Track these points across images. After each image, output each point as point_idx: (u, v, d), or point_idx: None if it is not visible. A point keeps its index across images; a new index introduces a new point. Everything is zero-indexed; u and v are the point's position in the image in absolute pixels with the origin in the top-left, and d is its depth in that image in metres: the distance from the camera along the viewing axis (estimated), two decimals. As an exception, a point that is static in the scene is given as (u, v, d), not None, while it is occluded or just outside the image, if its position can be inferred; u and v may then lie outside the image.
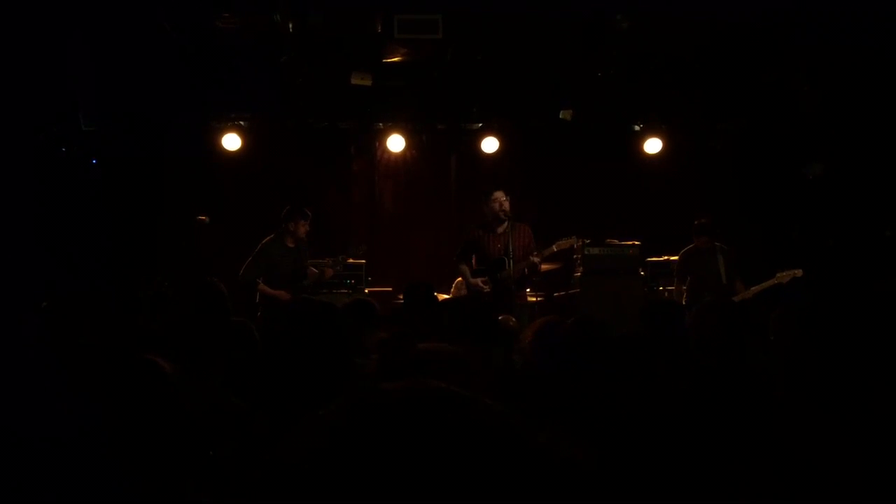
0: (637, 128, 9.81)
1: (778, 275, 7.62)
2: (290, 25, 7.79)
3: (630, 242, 8.50)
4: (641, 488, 2.12)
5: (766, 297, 7.53)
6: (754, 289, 7.64)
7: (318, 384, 2.28)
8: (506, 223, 7.62)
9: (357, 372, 1.94)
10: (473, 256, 7.81)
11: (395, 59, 8.57)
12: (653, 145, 9.69)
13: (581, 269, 8.44)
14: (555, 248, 7.71)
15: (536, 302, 8.34)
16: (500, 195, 7.65)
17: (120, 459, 1.56)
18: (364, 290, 8.47)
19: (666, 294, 8.41)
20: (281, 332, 2.44)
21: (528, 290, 7.94)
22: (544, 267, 8.04)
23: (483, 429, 0.66)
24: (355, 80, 8.70)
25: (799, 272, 7.58)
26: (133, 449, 1.58)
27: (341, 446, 0.65)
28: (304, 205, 7.89)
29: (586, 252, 8.39)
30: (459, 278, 8.19)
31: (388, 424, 0.65)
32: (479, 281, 7.61)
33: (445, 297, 7.83)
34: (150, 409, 1.63)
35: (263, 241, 7.73)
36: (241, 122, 9.43)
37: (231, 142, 9.34)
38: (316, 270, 7.79)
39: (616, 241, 8.53)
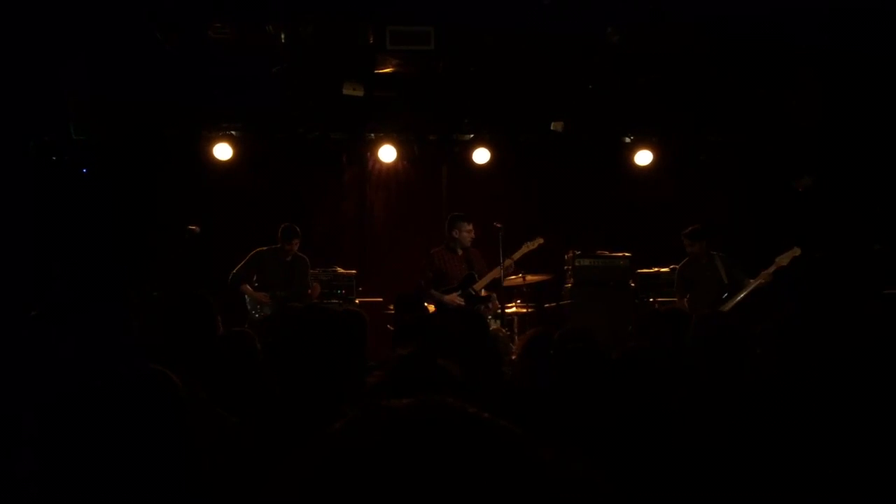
0: (628, 140, 9.85)
1: (777, 259, 7.33)
2: (283, 36, 7.80)
3: (621, 254, 8.52)
4: (641, 500, 2.13)
5: (770, 288, 7.34)
6: (755, 281, 7.38)
7: (324, 399, 2.26)
8: (464, 250, 7.83)
9: (364, 388, 1.93)
10: (440, 281, 7.82)
11: (387, 70, 8.59)
12: (643, 157, 9.73)
13: (572, 280, 8.46)
14: (524, 249, 7.82)
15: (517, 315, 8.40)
16: (471, 226, 7.79)
17: (126, 469, 1.56)
18: (355, 300, 8.47)
19: (657, 306, 8.42)
20: (287, 341, 2.41)
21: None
22: (532, 278, 8.08)
23: (492, 446, 0.66)
24: (347, 91, 8.71)
25: (798, 251, 7.27)
26: (139, 460, 1.58)
27: (350, 465, 0.65)
28: (295, 217, 8.24)
29: (577, 263, 8.42)
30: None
31: (398, 442, 0.66)
32: (454, 297, 7.69)
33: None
34: (162, 422, 1.63)
35: (257, 249, 7.98)
36: (233, 132, 9.42)
37: (222, 151, 9.32)
38: (315, 287, 8.08)
39: (607, 253, 8.56)
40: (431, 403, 0.69)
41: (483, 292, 7.79)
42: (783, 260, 7.32)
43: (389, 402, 0.70)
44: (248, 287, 7.86)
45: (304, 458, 0.67)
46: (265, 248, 7.96)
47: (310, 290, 8.02)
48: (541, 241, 7.89)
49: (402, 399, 0.70)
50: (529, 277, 8.05)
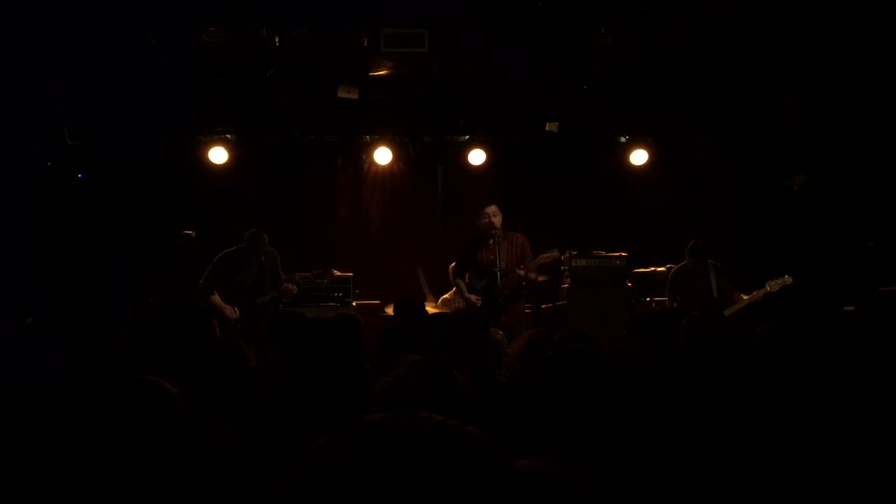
0: (623, 140, 9.85)
1: (768, 284, 7.55)
2: (277, 39, 7.79)
3: (617, 254, 8.52)
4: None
5: (756, 309, 7.52)
6: (746, 298, 7.59)
7: (320, 403, 2.25)
8: (494, 237, 7.69)
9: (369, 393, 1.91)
10: (469, 270, 7.84)
11: (382, 72, 8.59)
12: (638, 157, 9.73)
13: (568, 280, 8.46)
14: (537, 262, 7.79)
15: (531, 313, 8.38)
16: (490, 210, 7.72)
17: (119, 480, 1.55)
18: (352, 303, 8.45)
19: (653, 305, 8.43)
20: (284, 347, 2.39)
21: (524, 302, 8.01)
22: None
23: (470, 460, 0.66)
24: (342, 94, 8.71)
25: (789, 280, 7.51)
26: (133, 471, 1.57)
27: (331, 483, 0.65)
28: (290, 220, 8.37)
29: (573, 264, 8.41)
30: (454, 288, 8.20)
31: (377, 459, 0.65)
32: (472, 297, 7.69)
33: (434, 310, 7.82)
34: (155, 433, 1.62)
35: (223, 252, 7.65)
36: (228, 136, 9.41)
37: (218, 155, 9.32)
38: (292, 287, 7.71)
39: (603, 253, 8.56)
40: (410, 419, 0.69)
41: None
42: (774, 287, 7.52)
43: (368, 417, 0.70)
44: (218, 298, 7.45)
45: (288, 476, 0.67)
46: (233, 248, 7.62)
47: (284, 286, 7.60)
48: (556, 253, 7.88)
49: (381, 414, 0.70)
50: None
